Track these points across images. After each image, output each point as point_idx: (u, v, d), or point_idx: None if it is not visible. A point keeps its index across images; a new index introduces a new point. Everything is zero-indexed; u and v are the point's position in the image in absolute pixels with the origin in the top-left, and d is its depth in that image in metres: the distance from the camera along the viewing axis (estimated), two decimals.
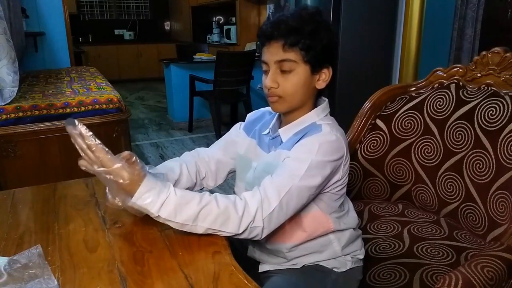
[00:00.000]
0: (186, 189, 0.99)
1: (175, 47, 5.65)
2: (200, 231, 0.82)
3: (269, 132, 1.02)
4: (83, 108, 2.10)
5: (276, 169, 0.91)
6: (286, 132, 0.97)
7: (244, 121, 1.13)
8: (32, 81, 2.77)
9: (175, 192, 0.80)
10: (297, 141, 0.91)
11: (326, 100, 1.00)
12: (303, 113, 0.96)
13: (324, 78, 0.94)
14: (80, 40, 7.87)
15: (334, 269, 1.01)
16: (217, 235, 0.84)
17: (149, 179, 0.79)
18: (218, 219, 0.81)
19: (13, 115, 1.95)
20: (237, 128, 1.12)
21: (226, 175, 1.12)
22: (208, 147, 1.14)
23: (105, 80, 2.92)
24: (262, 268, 1.04)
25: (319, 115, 0.97)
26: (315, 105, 0.98)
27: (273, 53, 0.90)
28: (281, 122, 1.02)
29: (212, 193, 0.85)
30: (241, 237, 0.84)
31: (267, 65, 0.92)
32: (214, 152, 1.10)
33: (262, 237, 0.86)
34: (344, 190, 0.99)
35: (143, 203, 0.78)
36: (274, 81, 0.91)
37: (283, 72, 0.90)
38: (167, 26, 9.15)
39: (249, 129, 1.08)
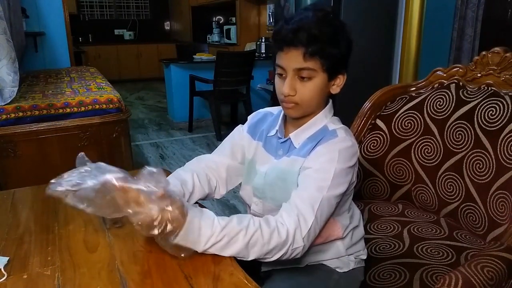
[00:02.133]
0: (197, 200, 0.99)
1: (175, 47, 5.65)
2: (249, 259, 0.81)
3: (276, 133, 1.00)
4: (83, 108, 2.11)
5: (291, 177, 0.91)
6: (297, 137, 0.96)
7: (244, 122, 1.11)
8: (32, 81, 2.78)
9: (221, 229, 0.77)
10: (313, 148, 0.91)
11: (330, 100, 1.00)
12: (312, 116, 0.96)
13: (338, 83, 0.94)
14: (80, 40, 7.87)
15: (337, 269, 1.01)
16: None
17: (192, 215, 0.76)
18: (264, 249, 0.80)
19: (13, 115, 1.95)
20: (240, 131, 1.08)
21: (237, 181, 1.08)
22: (208, 147, 1.13)
23: (105, 80, 2.92)
24: (265, 267, 1.04)
25: (327, 116, 0.96)
26: (323, 107, 0.97)
27: (292, 60, 0.88)
28: (286, 123, 1.01)
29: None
30: (283, 259, 0.83)
31: (284, 70, 0.90)
32: (221, 159, 1.06)
33: (301, 255, 0.85)
34: (352, 190, 0.99)
35: (187, 244, 0.76)
36: (292, 89, 0.89)
37: (301, 79, 0.89)
38: (167, 26, 9.15)
39: (253, 132, 1.06)
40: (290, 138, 0.97)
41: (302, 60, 0.87)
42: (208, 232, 0.76)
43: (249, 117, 1.11)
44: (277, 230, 0.80)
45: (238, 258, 0.80)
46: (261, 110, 1.10)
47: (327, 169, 0.86)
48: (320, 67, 0.88)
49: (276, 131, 1.00)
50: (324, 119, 0.96)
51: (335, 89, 0.94)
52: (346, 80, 0.95)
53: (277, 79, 0.93)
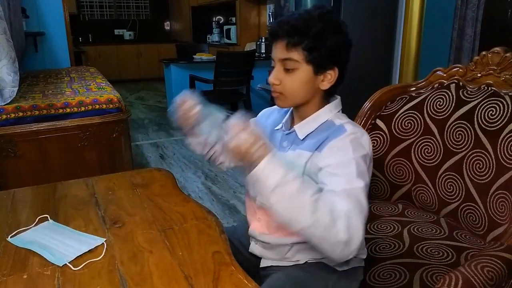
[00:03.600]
0: None
1: (175, 47, 5.65)
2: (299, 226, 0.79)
3: (282, 127, 1.03)
4: (83, 108, 2.11)
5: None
6: (301, 129, 0.97)
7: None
8: (32, 81, 2.78)
9: (298, 178, 0.78)
10: (320, 144, 0.91)
11: (339, 97, 1.00)
12: (314, 109, 0.97)
13: (329, 79, 0.93)
14: (80, 40, 7.87)
15: (336, 268, 1.01)
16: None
17: (274, 156, 0.78)
18: (319, 231, 0.77)
19: (13, 115, 1.95)
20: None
21: None
22: None
23: (105, 80, 2.92)
24: (264, 263, 1.04)
25: (332, 111, 0.97)
26: (325, 103, 0.98)
27: (277, 51, 0.92)
28: (293, 119, 1.02)
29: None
30: (341, 259, 0.81)
31: (274, 61, 0.94)
32: None
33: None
34: None
35: (261, 180, 0.77)
36: (277, 78, 0.93)
37: (286, 70, 0.92)
38: (167, 26, 9.15)
39: (261, 126, 1.07)
40: (295, 130, 0.98)
41: (285, 51, 0.90)
42: (281, 171, 0.77)
43: (260, 113, 1.14)
44: (337, 228, 0.77)
45: (286, 222, 0.79)
46: (269, 108, 1.13)
47: (347, 162, 0.86)
48: (303, 58, 0.89)
49: (282, 125, 1.03)
50: (329, 113, 0.96)
51: (325, 85, 0.94)
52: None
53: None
